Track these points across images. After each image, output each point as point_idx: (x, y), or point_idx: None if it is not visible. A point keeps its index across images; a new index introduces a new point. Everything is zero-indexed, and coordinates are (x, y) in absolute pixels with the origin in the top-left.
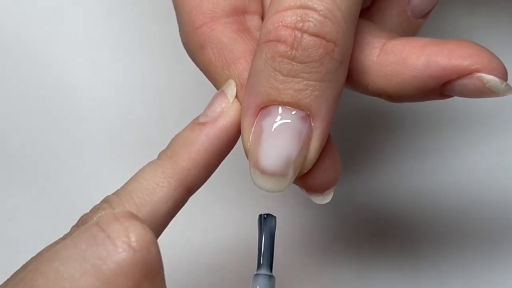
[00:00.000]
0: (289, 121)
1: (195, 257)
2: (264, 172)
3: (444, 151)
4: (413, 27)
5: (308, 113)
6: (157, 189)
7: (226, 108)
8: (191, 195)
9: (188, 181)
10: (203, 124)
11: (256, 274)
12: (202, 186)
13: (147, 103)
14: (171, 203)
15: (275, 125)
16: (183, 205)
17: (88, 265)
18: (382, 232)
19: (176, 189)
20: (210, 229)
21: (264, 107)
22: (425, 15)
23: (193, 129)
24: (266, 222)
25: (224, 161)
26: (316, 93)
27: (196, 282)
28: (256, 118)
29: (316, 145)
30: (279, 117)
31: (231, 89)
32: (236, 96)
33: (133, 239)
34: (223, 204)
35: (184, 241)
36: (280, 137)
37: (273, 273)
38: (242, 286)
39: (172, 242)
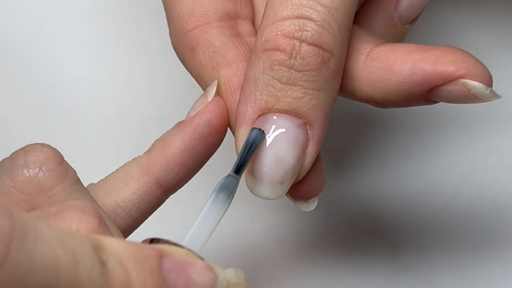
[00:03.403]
0: (286, 129)
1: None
2: (261, 180)
3: (442, 151)
4: (400, 33)
5: (305, 121)
6: (128, 179)
7: (202, 107)
8: (167, 193)
9: (159, 176)
10: (180, 122)
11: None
12: (202, 186)
13: (148, 103)
14: (140, 195)
15: (272, 133)
16: (159, 203)
17: None
18: (380, 232)
19: (147, 183)
20: None
21: (261, 114)
22: (412, 21)
23: (172, 128)
24: (250, 134)
25: (225, 162)
26: (314, 101)
27: None
28: (252, 126)
29: (312, 153)
30: (276, 125)
31: (211, 90)
32: (218, 96)
33: (29, 158)
34: None
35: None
36: (277, 144)
37: (271, 274)
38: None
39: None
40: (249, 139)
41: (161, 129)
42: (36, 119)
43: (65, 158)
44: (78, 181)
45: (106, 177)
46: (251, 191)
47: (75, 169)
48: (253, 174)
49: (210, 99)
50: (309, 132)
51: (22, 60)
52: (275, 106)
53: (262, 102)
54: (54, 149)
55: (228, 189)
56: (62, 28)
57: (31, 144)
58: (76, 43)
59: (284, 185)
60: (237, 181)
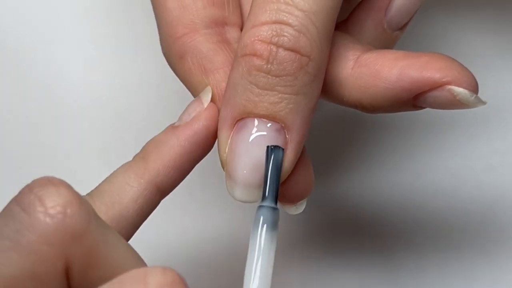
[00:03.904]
0: (264, 133)
1: (195, 257)
2: (239, 183)
3: (440, 152)
4: (390, 39)
5: (283, 125)
6: (127, 189)
7: (199, 112)
8: (163, 197)
9: (158, 182)
10: (176, 127)
11: (260, 206)
12: (202, 186)
13: (147, 103)
14: (141, 202)
15: (251, 137)
16: (155, 206)
17: (7, 241)
18: (376, 234)
19: (146, 189)
20: (210, 229)
21: (240, 119)
22: (402, 28)
23: (166, 132)
24: (273, 153)
25: (212, 163)
26: (291, 106)
27: (196, 282)
28: (232, 130)
29: (290, 157)
30: (255, 129)
31: (206, 95)
32: (212, 102)
33: (48, 205)
34: (223, 204)
35: (184, 241)
36: (255, 149)
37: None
38: (242, 286)
39: (172, 242)
40: (273, 161)
41: (161, 129)
42: (36, 119)
43: (65, 158)
44: (97, 215)
45: (100, 187)
46: (229, 193)
47: (74, 170)
48: (232, 177)
49: (206, 104)
50: (287, 136)
51: (22, 60)
52: (253, 111)
53: (240, 107)
54: (68, 186)
55: (276, 225)
56: (62, 28)
57: (37, 183)
58: (76, 43)
59: (262, 189)
60: (278, 213)
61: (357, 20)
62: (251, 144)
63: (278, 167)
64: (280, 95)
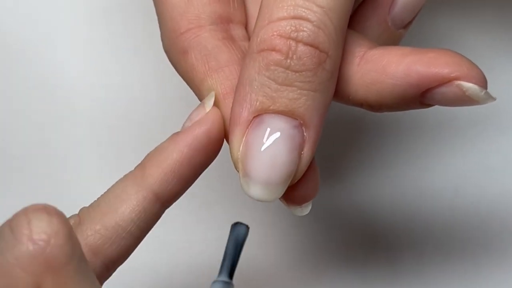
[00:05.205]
0: (282, 130)
1: (195, 257)
2: (256, 182)
3: (443, 153)
4: (394, 37)
5: (301, 122)
6: (124, 197)
7: (200, 118)
8: (165, 206)
9: (157, 189)
10: (177, 133)
11: (215, 281)
12: (202, 186)
13: (147, 103)
14: (139, 212)
15: (268, 134)
16: (157, 217)
17: None
18: (378, 235)
19: (145, 198)
20: (210, 229)
21: (257, 115)
22: (406, 26)
23: (168, 140)
24: (234, 229)
25: (225, 161)
26: (310, 102)
27: (196, 282)
28: (247, 128)
29: (308, 154)
30: (272, 126)
31: (209, 100)
32: (215, 106)
33: (34, 231)
34: (223, 204)
35: (184, 241)
36: (273, 146)
37: (266, 278)
38: (241, 286)
39: (172, 242)
40: (233, 236)
41: (161, 130)
42: (36, 119)
43: (65, 158)
44: (83, 257)
45: (99, 198)
46: (245, 192)
47: (75, 170)
48: (248, 175)
49: (208, 109)
50: (305, 133)
51: (22, 60)
52: (271, 107)
53: (257, 103)
54: (61, 216)
55: None
56: (62, 28)
57: (33, 207)
58: (76, 43)
59: (280, 187)
60: (232, 287)
61: (362, 17)
62: (269, 141)
63: (237, 243)
64: (299, 91)
